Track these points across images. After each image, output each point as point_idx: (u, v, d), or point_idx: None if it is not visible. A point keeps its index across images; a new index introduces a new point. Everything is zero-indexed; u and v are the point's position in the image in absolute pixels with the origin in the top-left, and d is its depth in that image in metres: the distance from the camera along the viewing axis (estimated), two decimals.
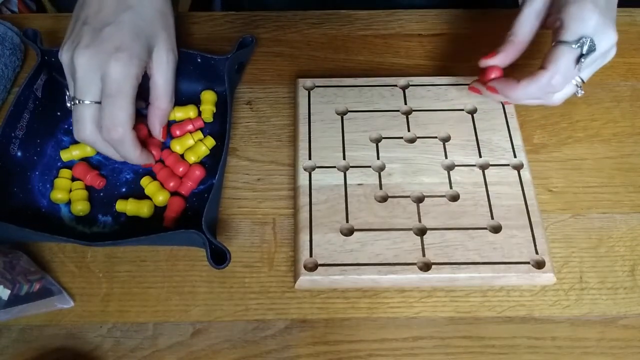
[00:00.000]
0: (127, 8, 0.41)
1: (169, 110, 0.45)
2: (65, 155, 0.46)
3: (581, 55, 0.40)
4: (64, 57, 0.41)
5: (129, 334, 0.40)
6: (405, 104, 0.49)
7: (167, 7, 0.45)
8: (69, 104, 0.41)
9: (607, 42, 0.41)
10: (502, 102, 0.49)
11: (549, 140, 0.49)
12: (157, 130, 0.45)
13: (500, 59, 0.45)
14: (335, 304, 0.41)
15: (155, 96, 0.44)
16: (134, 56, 0.40)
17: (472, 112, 0.48)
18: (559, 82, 0.41)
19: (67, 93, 0.41)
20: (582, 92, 0.43)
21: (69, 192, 0.45)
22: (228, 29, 0.57)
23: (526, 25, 0.44)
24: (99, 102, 0.40)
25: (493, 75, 0.45)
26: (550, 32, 0.43)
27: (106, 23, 0.41)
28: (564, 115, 0.50)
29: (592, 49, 0.40)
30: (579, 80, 0.43)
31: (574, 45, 0.40)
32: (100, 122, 0.40)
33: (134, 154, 0.42)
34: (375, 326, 0.40)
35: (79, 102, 0.40)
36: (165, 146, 0.48)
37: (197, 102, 0.50)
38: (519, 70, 0.47)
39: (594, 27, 0.40)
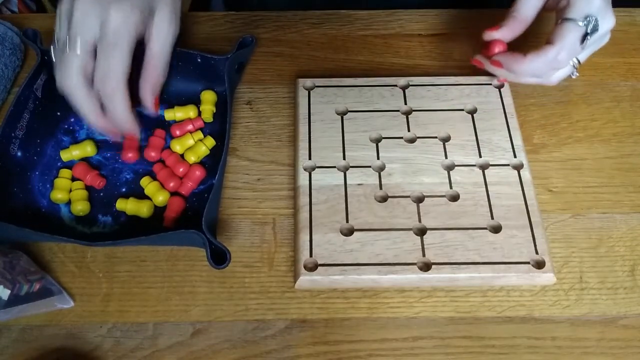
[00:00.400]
0: None
1: (161, 81, 0.43)
2: (65, 155, 0.46)
3: (586, 34, 0.41)
4: (63, 5, 0.39)
5: (129, 334, 0.40)
6: (405, 104, 0.49)
7: None
8: (52, 50, 0.39)
9: (607, 24, 0.42)
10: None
11: (549, 140, 0.49)
12: (150, 101, 0.43)
13: (503, 33, 0.45)
14: (335, 304, 0.41)
15: (148, 63, 0.42)
16: (136, 7, 0.39)
17: (472, 112, 0.48)
18: (564, 58, 0.42)
19: (55, 41, 0.39)
20: (577, 74, 0.44)
21: (69, 192, 0.45)
22: (228, 29, 0.57)
23: (529, 1, 0.45)
24: (90, 53, 0.39)
25: (497, 50, 0.46)
26: (547, 21, 0.44)
27: None
28: (564, 115, 0.50)
29: (595, 29, 0.41)
30: (576, 62, 0.44)
31: (580, 23, 0.41)
32: (94, 73, 0.39)
33: (123, 111, 0.40)
34: (375, 326, 0.40)
35: (70, 49, 0.38)
36: (165, 146, 0.48)
37: (197, 102, 0.50)
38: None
39: (598, 8, 0.41)
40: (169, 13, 0.41)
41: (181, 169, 0.46)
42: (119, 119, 0.41)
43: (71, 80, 0.39)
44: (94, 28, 0.39)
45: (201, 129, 0.48)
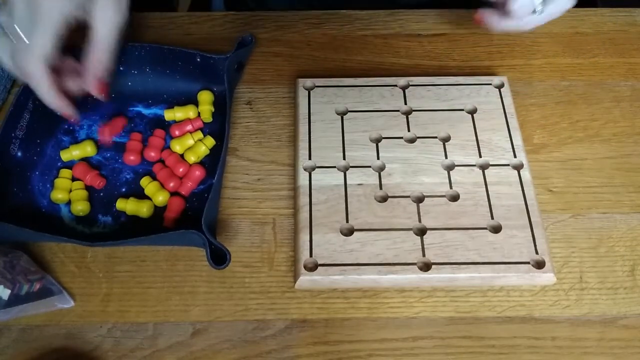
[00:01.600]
0: None
1: (106, 65, 0.41)
2: (65, 155, 0.46)
3: None
4: None
5: (129, 334, 0.40)
6: (405, 104, 0.49)
7: None
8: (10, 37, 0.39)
9: None
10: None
11: (549, 140, 0.49)
12: (93, 85, 0.41)
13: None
14: (335, 304, 0.41)
15: (91, 47, 0.40)
16: None
17: (472, 112, 0.48)
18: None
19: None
20: (540, 8, 0.44)
21: (69, 192, 0.45)
22: (228, 29, 0.57)
23: None
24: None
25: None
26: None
27: None
28: (564, 115, 0.50)
29: None
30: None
31: None
32: (16, 50, 0.39)
33: (45, 91, 0.40)
34: (375, 326, 0.40)
35: (7, 33, 0.38)
36: (165, 146, 0.48)
37: (196, 102, 0.50)
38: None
39: None
40: (112, 1, 0.40)
41: (181, 169, 0.46)
42: (44, 99, 0.40)
43: (7, 63, 0.39)
44: (24, 8, 0.38)
45: (201, 129, 0.48)
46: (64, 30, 0.39)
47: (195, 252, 0.43)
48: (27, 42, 0.38)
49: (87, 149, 0.47)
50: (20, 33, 0.38)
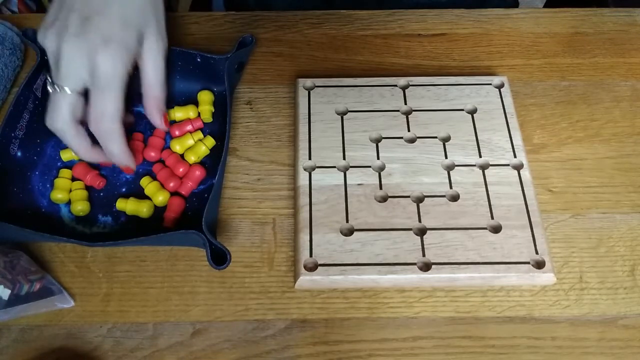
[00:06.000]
0: None
1: (163, 98, 0.44)
2: (65, 155, 0.46)
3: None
4: (48, 43, 0.40)
5: (129, 334, 0.40)
6: (405, 104, 0.49)
7: None
8: (49, 89, 0.40)
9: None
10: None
11: (549, 140, 0.49)
12: (158, 120, 0.44)
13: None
14: (335, 304, 0.41)
15: (147, 85, 0.43)
16: (123, 47, 0.39)
17: (472, 112, 0.48)
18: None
19: (48, 78, 0.40)
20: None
21: (69, 192, 0.45)
22: (228, 29, 0.57)
23: None
24: (79, 93, 0.39)
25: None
26: None
27: (95, 12, 0.39)
28: (564, 115, 0.50)
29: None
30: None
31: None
32: (86, 114, 0.40)
33: (119, 149, 0.41)
34: (375, 326, 0.40)
35: (59, 89, 0.39)
36: (165, 146, 0.48)
37: (196, 102, 0.50)
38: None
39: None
40: (156, 35, 0.42)
41: (181, 169, 0.46)
42: (116, 156, 0.42)
43: (58, 119, 0.40)
44: (83, 73, 0.39)
45: (201, 129, 0.48)
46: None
47: (195, 252, 0.43)
48: (94, 107, 0.39)
49: None
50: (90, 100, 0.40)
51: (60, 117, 0.40)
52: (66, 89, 0.39)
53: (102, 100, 0.39)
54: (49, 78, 0.41)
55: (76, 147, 0.42)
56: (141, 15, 0.41)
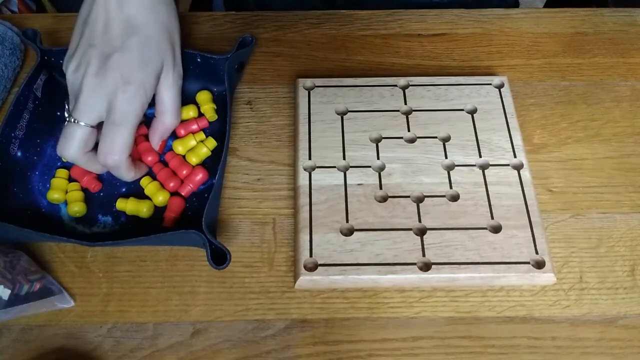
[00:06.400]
0: (134, 32, 0.41)
1: (173, 127, 0.45)
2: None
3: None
4: (70, 76, 0.41)
5: (129, 334, 0.40)
6: (405, 104, 0.49)
7: (172, 21, 0.44)
8: (67, 115, 0.41)
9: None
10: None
11: (549, 140, 0.49)
12: (155, 144, 0.46)
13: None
14: (335, 304, 0.41)
15: (160, 111, 0.44)
16: (141, 87, 0.40)
17: (472, 112, 0.48)
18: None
19: (67, 106, 0.42)
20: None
21: (65, 193, 0.45)
22: (228, 29, 0.57)
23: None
24: (93, 127, 0.41)
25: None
26: None
27: (114, 49, 0.40)
28: (564, 115, 0.50)
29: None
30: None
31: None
32: (98, 145, 0.41)
33: (127, 177, 0.43)
34: (375, 326, 0.40)
35: (74, 121, 0.40)
36: (168, 148, 0.48)
37: (196, 102, 0.50)
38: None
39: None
40: (172, 66, 0.43)
41: (184, 172, 0.45)
42: (126, 179, 0.44)
43: (70, 149, 0.41)
44: (100, 110, 0.40)
45: (204, 129, 0.48)
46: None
47: (195, 252, 0.43)
48: (105, 140, 0.40)
49: None
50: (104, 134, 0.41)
51: (72, 148, 0.41)
52: (82, 123, 0.40)
53: (113, 136, 0.40)
54: (67, 106, 0.41)
55: (92, 170, 0.44)
56: (158, 50, 0.42)
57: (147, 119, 0.47)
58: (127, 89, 0.40)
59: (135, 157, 0.46)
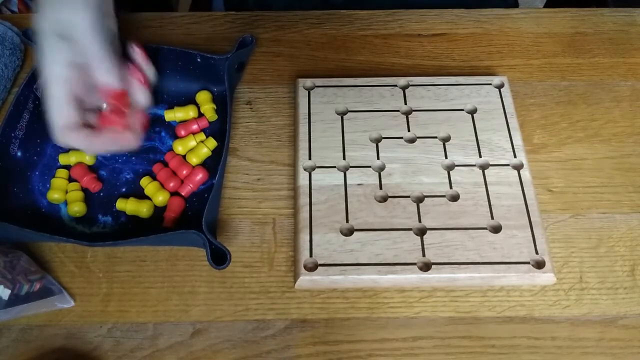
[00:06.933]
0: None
1: (114, 83, 0.41)
2: (64, 159, 0.46)
3: None
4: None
5: (129, 334, 0.40)
6: (405, 104, 0.49)
7: None
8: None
9: None
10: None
11: (549, 140, 0.49)
12: (131, 128, 0.41)
13: None
14: (335, 304, 0.41)
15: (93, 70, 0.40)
16: (55, 62, 0.38)
17: (472, 112, 0.48)
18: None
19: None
20: None
21: (65, 193, 0.45)
22: (228, 29, 0.57)
23: None
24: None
25: None
26: None
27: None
28: (564, 115, 0.50)
29: None
30: None
31: None
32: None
33: (87, 145, 0.40)
34: (375, 326, 0.40)
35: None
36: (168, 148, 0.48)
37: (196, 102, 0.50)
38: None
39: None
40: (86, 24, 0.39)
41: (184, 172, 0.45)
42: (94, 150, 0.42)
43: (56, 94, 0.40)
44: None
45: (205, 129, 0.48)
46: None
47: (195, 252, 0.43)
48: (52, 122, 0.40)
49: (85, 157, 0.46)
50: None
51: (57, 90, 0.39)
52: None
53: (49, 114, 0.39)
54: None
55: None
56: (67, 15, 0.39)
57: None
58: (48, 72, 0.38)
59: (103, 127, 0.42)
